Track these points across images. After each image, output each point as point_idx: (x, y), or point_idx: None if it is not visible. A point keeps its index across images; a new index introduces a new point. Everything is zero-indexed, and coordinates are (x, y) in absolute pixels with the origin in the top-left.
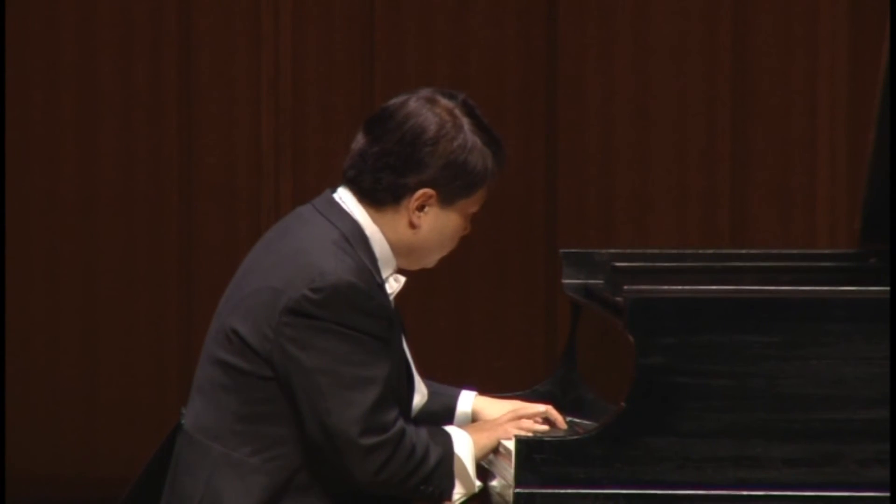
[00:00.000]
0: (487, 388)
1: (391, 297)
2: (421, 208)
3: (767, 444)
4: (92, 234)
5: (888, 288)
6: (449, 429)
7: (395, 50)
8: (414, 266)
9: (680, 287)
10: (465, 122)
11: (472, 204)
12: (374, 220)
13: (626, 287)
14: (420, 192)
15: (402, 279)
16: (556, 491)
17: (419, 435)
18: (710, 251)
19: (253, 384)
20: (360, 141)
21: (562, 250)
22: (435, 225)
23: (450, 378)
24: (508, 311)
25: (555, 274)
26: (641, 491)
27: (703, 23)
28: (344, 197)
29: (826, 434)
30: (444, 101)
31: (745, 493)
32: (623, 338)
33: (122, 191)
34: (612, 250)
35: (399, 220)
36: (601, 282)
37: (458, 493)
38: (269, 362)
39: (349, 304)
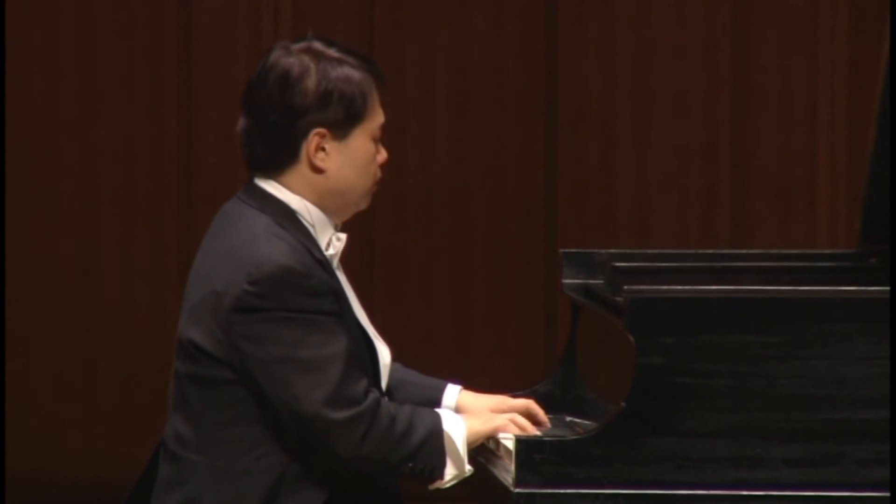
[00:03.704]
0: (487, 389)
1: (336, 257)
2: (321, 150)
3: (767, 444)
4: (92, 232)
5: (888, 288)
6: (438, 410)
7: (395, 50)
8: (350, 211)
9: (680, 287)
10: (326, 53)
11: (370, 126)
12: (291, 189)
13: (626, 287)
14: (311, 134)
15: (344, 237)
16: (556, 491)
17: (401, 408)
18: (710, 251)
19: (221, 390)
20: (241, 122)
21: (562, 250)
22: (342, 160)
23: (449, 378)
24: (508, 311)
25: (555, 274)
26: (641, 491)
27: (702, 23)
28: (258, 181)
29: (826, 434)
30: (298, 45)
31: (745, 493)
32: (623, 338)
33: (122, 190)
34: (612, 250)
35: (306, 172)
36: (601, 282)
37: (450, 473)
38: (230, 365)
39: (290, 289)
